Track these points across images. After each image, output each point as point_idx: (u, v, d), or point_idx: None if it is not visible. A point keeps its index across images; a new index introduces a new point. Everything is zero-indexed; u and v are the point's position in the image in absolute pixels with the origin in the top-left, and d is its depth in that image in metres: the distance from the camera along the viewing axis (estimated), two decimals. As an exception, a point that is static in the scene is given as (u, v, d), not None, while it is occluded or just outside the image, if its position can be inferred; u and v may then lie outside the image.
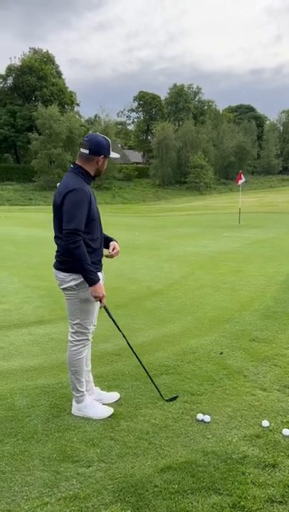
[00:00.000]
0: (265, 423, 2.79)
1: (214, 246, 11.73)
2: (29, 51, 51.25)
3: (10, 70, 48.86)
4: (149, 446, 2.59)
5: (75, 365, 2.93)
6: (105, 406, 3.02)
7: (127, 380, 3.50)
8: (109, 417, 2.94)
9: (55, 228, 2.84)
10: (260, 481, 2.25)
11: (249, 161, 60.37)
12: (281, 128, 72.83)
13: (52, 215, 2.85)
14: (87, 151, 2.77)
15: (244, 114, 72.55)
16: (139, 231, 16.67)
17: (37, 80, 48.35)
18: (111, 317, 2.99)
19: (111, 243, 3.11)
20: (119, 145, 61.92)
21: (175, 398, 3.14)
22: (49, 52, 52.51)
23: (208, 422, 2.84)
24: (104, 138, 2.83)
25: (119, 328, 3.07)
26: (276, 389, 3.32)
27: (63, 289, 2.87)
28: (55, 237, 2.87)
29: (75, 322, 2.89)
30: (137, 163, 64.63)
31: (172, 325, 4.99)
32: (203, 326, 4.92)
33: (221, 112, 70.20)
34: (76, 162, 2.85)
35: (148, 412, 2.99)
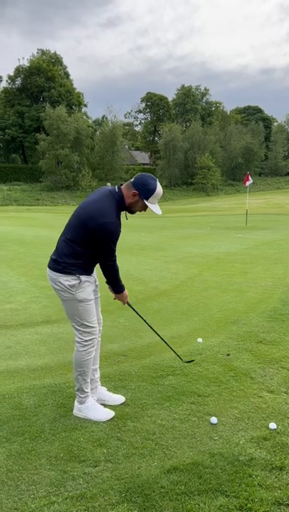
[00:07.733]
0: (273, 425, 2.78)
1: (221, 247, 11.70)
2: (37, 52, 51.63)
3: (18, 71, 49.13)
4: (155, 447, 2.59)
5: (83, 366, 2.92)
6: (106, 409, 3.01)
7: (133, 381, 3.51)
8: (115, 417, 2.94)
9: (68, 231, 2.83)
10: (268, 483, 2.24)
11: (256, 163, 60.07)
12: (289, 129, 72.49)
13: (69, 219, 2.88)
14: (132, 179, 2.81)
15: (252, 115, 72.23)
16: (145, 232, 16.66)
17: (45, 80, 48.61)
18: (136, 312, 3.24)
19: None
20: (127, 146, 61.97)
21: (192, 361, 3.70)
22: (57, 53, 52.85)
23: (215, 424, 2.84)
24: (155, 186, 2.76)
25: (146, 323, 3.32)
26: (283, 391, 3.30)
27: (58, 290, 2.84)
28: (65, 240, 2.83)
29: (81, 323, 2.87)
30: (144, 164, 64.62)
31: (179, 326, 4.98)
32: (210, 327, 4.91)
33: (228, 113, 70.02)
34: (122, 185, 2.86)
35: (154, 413, 2.99)
